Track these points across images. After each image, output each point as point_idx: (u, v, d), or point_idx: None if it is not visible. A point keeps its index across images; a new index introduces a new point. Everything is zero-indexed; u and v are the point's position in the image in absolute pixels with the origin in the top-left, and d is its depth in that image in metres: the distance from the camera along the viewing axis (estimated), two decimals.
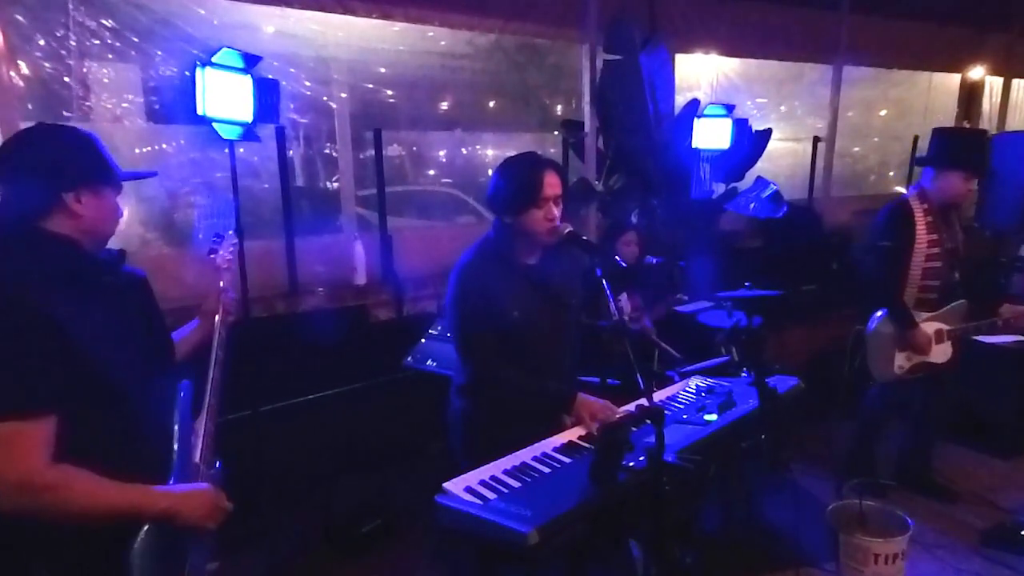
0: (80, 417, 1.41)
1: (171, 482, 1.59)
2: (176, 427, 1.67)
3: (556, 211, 2.19)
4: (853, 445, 3.73)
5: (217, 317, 1.98)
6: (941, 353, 3.40)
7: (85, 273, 1.50)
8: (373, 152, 3.74)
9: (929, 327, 3.36)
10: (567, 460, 1.93)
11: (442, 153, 5.16)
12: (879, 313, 3.39)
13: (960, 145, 3.43)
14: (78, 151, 1.52)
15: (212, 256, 2.08)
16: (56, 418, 1.38)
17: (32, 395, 1.35)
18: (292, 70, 3.65)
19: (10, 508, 1.34)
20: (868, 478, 3.49)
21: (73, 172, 1.49)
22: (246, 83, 3.04)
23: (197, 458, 1.71)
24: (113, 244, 1.67)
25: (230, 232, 2.19)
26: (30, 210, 1.47)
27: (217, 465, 1.84)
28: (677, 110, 4.62)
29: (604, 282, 2.02)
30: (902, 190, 3.58)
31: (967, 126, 6.74)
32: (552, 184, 2.18)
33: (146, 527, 1.45)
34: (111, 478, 1.43)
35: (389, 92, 4.17)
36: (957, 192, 3.34)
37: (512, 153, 2.39)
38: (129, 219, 3.23)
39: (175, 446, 1.64)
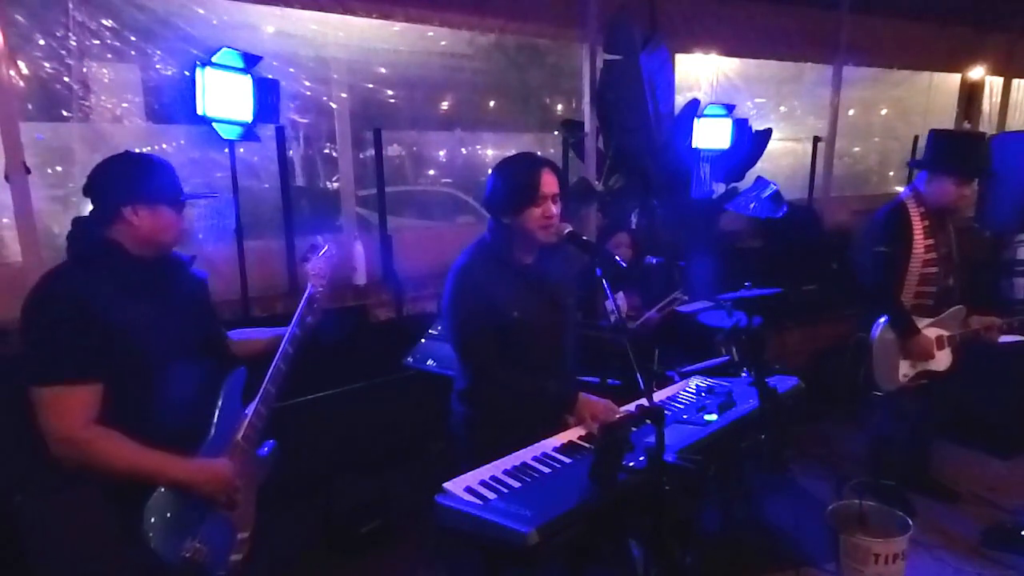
0: (122, 389, 1.71)
1: (199, 455, 1.84)
2: (218, 407, 1.93)
3: (555, 209, 2.19)
4: (868, 458, 3.68)
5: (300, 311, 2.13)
6: (943, 360, 3.37)
7: (129, 272, 1.79)
8: (373, 152, 3.74)
9: (931, 333, 3.34)
10: (567, 460, 1.93)
11: (442, 153, 5.15)
12: (882, 320, 3.35)
13: (954, 149, 3.37)
14: (142, 174, 1.82)
15: (304, 263, 2.26)
16: (99, 387, 1.68)
17: (75, 366, 1.65)
18: (292, 70, 3.64)
19: (58, 457, 1.65)
20: (868, 478, 3.49)
21: (133, 190, 1.79)
22: (246, 83, 3.04)
23: (240, 436, 1.95)
24: None
25: (325, 246, 2.31)
26: (100, 219, 1.80)
27: (267, 446, 2.11)
28: (677, 110, 4.62)
29: (604, 282, 2.02)
30: (902, 190, 3.56)
31: (968, 127, 6.74)
32: (549, 183, 2.18)
33: (160, 489, 1.72)
34: (144, 444, 1.71)
35: (389, 92, 4.16)
36: (949, 198, 3.29)
37: (512, 153, 2.39)
38: None
39: (213, 424, 1.91)
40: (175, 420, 1.79)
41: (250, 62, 3.05)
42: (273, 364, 2.04)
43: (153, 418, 1.75)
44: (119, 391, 1.71)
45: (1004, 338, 3.57)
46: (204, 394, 1.92)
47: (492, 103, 5.15)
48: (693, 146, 4.68)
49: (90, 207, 1.84)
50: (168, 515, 1.73)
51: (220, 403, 1.94)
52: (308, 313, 2.17)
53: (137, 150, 3.29)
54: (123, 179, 1.80)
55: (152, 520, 1.70)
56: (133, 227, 1.79)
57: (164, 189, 1.86)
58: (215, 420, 1.92)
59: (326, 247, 2.31)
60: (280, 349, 2.07)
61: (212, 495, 1.80)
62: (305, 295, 2.18)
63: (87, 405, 1.67)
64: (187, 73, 2.93)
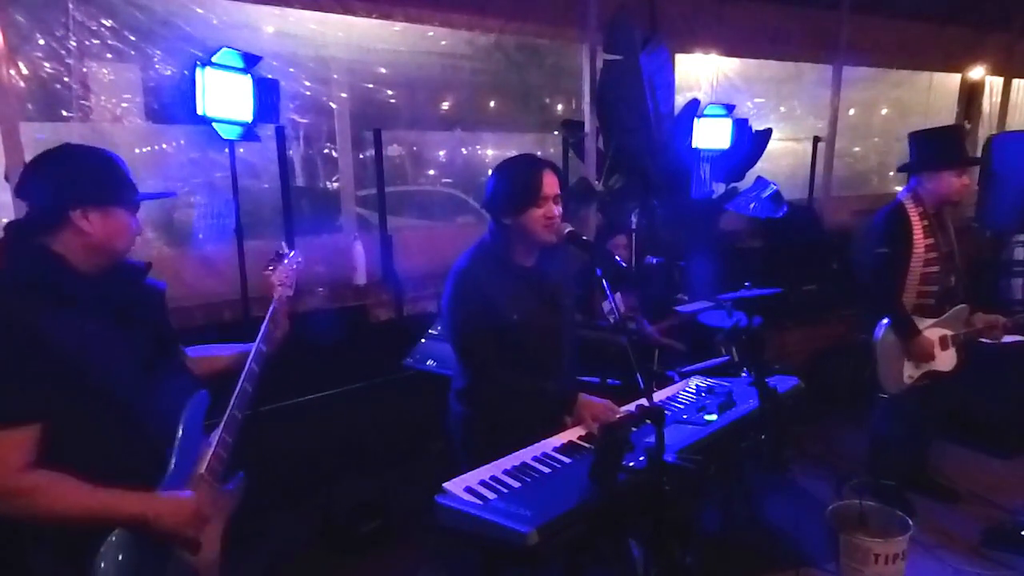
0: (67, 424, 1.48)
1: (159, 490, 1.60)
2: (179, 437, 1.68)
3: (556, 210, 2.19)
4: (868, 458, 3.68)
5: (266, 326, 1.94)
6: (947, 360, 3.37)
7: (75, 290, 1.54)
8: (373, 152, 3.74)
9: (933, 333, 3.34)
10: (567, 460, 1.93)
11: (442, 153, 5.15)
12: (884, 322, 3.35)
13: (943, 143, 3.39)
14: (90, 171, 1.58)
15: (267, 273, 2.07)
16: (38, 427, 1.45)
17: (12, 407, 1.43)
18: (292, 70, 3.65)
19: None
20: (868, 478, 3.49)
21: (82, 191, 1.55)
22: (246, 83, 3.04)
23: (203, 469, 1.71)
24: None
25: (292, 252, 2.15)
26: (40, 225, 1.55)
27: (233, 481, 1.85)
28: (677, 110, 4.62)
29: (604, 282, 2.02)
30: (901, 190, 3.56)
31: (968, 127, 6.73)
32: (550, 183, 2.19)
33: (113, 537, 1.49)
34: (98, 483, 1.49)
35: (389, 92, 4.17)
36: (953, 190, 3.30)
37: (513, 153, 2.39)
38: None
39: (172, 456, 1.66)
40: (129, 455, 1.58)
41: (250, 62, 3.05)
42: (238, 386, 1.82)
43: (104, 454, 1.53)
44: (63, 427, 1.48)
45: (1006, 338, 3.57)
46: (162, 424, 1.66)
47: (492, 103, 5.15)
48: (693, 146, 4.68)
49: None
50: (123, 564, 1.50)
51: (180, 433, 1.68)
52: (275, 328, 1.97)
53: (138, 148, 3.33)
54: (70, 177, 1.55)
55: (104, 570, 1.47)
56: (83, 234, 1.55)
57: (118, 188, 1.61)
58: (174, 452, 1.66)
59: (292, 253, 2.15)
60: (245, 369, 1.85)
61: (177, 529, 1.56)
62: (270, 308, 1.99)
63: (25, 450, 1.43)
64: (187, 73, 2.93)
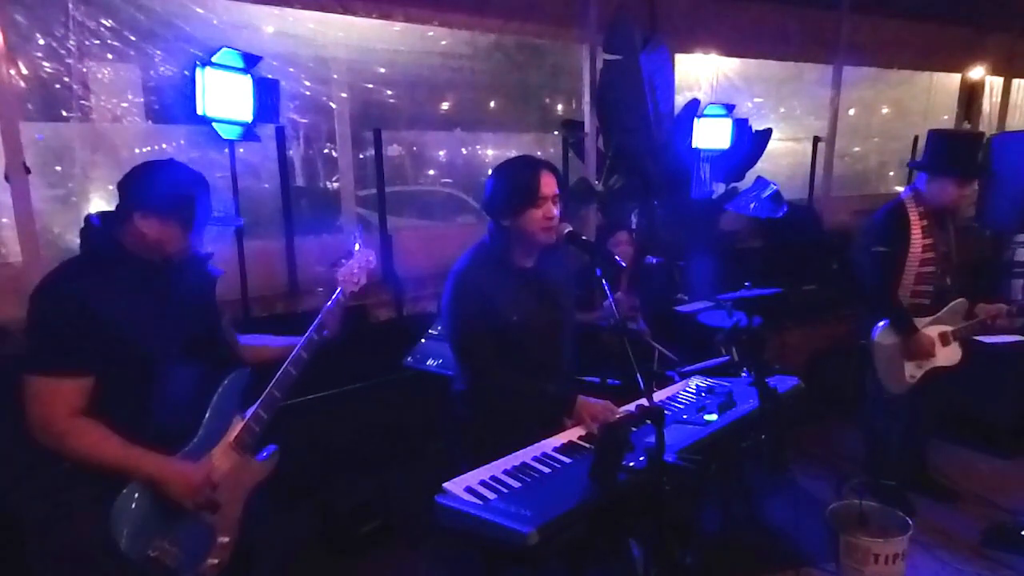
0: (112, 384, 1.74)
1: (180, 455, 1.82)
2: (210, 408, 1.90)
3: (555, 210, 2.19)
4: (868, 458, 3.68)
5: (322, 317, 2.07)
6: (950, 355, 3.37)
7: (124, 270, 1.80)
8: (373, 152, 3.74)
9: (933, 331, 3.34)
10: (567, 460, 1.93)
11: (442, 153, 5.15)
12: (881, 324, 3.35)
13: (954, 150, 3.36)
14: (163, 186, 1.83)
15: (335, 268, 2.16)
16: (89, 381, 1.72)
17: (66, 359, 1.69)
18: (292, 70, 3.65)
19: (40, 443, 1.70)
20: (868, 478, 3.49)
21: (150, 198, 1.80)
22: (246, 83, 3.04)
23: (231, 439, 1.93)
24: None
25: (359, 248, 2.18)
26: (113, 217, 1.83)
27: (266, 451, 2.05)
28: (677, 110, 4.62)
29: (604, 282, 2.02)
30: (902, 190, 3.57)
31: (968, 127, 6.73)
32: (549, 184, 2.19)
33: (130, 486, 1.73)
34: (129, 439, 1.73)
35: (389, 92, 4.16)
36: (950, 198, 3.30)
37: (513, 153, 2.40)
38: None
39: (202, 424, 1.88)
40: (163, 418, 1.80)
41: (250, 62, 3.05)
42: (283, 368, 2.00)
43: (141, 415, 1.77)
44: (110, 386, 1.74)
45: (1005, 338, 3.57)
46: (197, 395, 1.90)
47: (492, 103, 5.15)
48: (693, 146, 4.68)
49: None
50: (138, 512, 1.73)
51: (213, 404, 1.91)
52: (328, 322, 2.08)
53: (138, 148, 3.33)
54: (145, 185, 1.82)
55: (120, 516, 1.70)
56: (140, 232, 1.80)
57: (181, 207, 1.84)
58: (204, 421, 1.90)
59: (367, 252, 2.18)
60: (294, 352, 2.02)
61: (178, 498, 1.77)
62: (332, 298, 2.10)
63: (73, 397, 1.70)
64: (187, 73, 2.93)
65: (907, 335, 3.30)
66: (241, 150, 3.35)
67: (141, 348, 1.75)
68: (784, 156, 5.88)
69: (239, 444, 1.95)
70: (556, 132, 4.79)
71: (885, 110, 7.04)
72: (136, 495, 1.73)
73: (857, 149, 7.10)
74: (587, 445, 2.02)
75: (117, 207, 1.84)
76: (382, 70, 4.07)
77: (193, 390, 1.88)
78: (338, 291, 2.12)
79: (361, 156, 4.08)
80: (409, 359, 3.23)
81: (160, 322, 1.81)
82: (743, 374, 3.03)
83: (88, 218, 1.87)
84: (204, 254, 1.98)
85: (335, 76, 3.84)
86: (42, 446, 1.71)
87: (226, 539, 1.90)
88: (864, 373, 3.48)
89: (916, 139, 6.15)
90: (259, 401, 1.98)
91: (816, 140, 5.53)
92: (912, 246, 3.30)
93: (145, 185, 1.82)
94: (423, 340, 3.29)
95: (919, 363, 3.34)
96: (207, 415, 1.90)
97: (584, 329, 2.84)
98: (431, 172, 5.14)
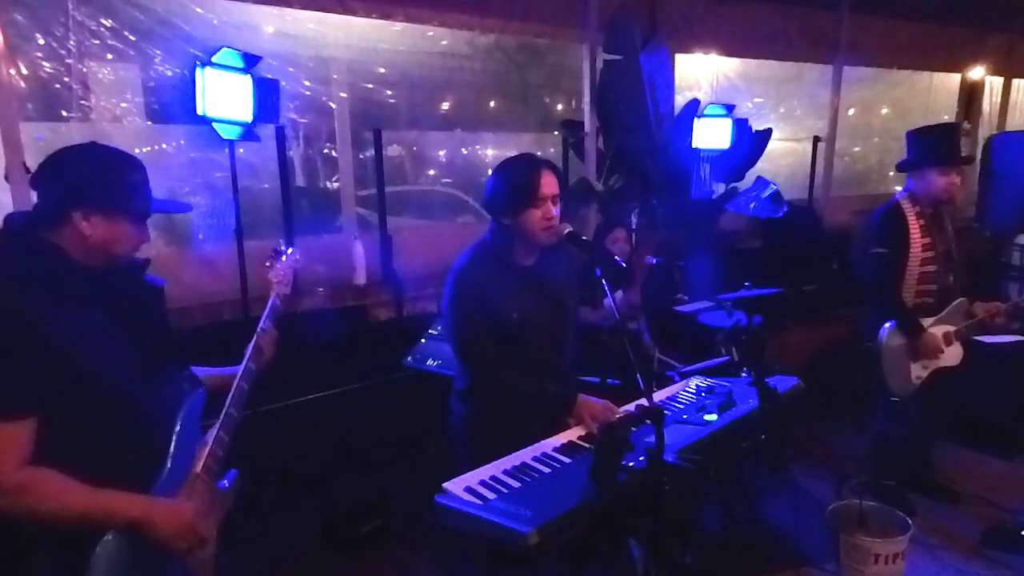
0: (61, 420, 1.44)
1: (154, 491, 1.57)
2: (175, 435, 1.65)
3: (555, 210, 2.19)
4: (868, 458, 3.68)
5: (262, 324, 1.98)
6: (954, 355, 3.38)
7: (70, 281, 1.50)
8: (373, 152, 3.74)
9: (937, 331, 3.34)
10: (567, 460, 1.93)
11: (442, 153, 5.15)
12: (887, 325, 3.35)
13: (928, 141, 3.40)
14: (102, 174, 1.53)
15: (267, 268, 2.11)
16: (33, 422, 1.41)
17: (4, 400, 1.38)
18: (292, 70, 3.65)
19: None
20: (868, 478, 3.49)
21: (89, 193, 1.51)
22: (246, 83, 3.04)
23: (199, 468, 1.68)
24: None
25: (290, 250, 2.18)
26: (41, 219, 1.52)
27: (227, 478, 1.82)
28: (677, 110, 4.62)
29: (604, 282, 2.02)
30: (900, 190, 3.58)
31: (968, 127, 6.73)
32: (549, 184, 2.18)
33: (108, 537, 1.44)
34: (92, 482, 1.44)
35: (389, 92, 4.16)
36: (939, 188, 3.31)
37: (512, 153, 2.39)
38: None
39: (170, 455, 1.63)
40: (125, 452, 1.54)
41: (250, 62, 3.05)
42: (235, 384, 1.82)
43: (99, 452, 1.49)
44: (58, 423, 1.44)
45: (1005, 338, 3.57)
46: (159, 421, 1.64)
47: (492, 103, 5.16)
48: (693, 146, 4.68)
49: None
50: (118, 561, 1.45)
51: (177, 430, 1.65)
52: (270, 326, 2.00)
53: (138, 148, 3.33)
54: (80, 178, 1.51)
55: (99, 567, 1.42)
56: (82, 235, 1.50)
57: (128, 197, 1.56)
58: (171, 450, 1.63)
59: (290, 251, 2.17)
60: (242, 365, 1.85)
61: (171, 540, 1.51)
62: (268, 305, 2.02)
63: (19, 445, 1.39)
64: (187, 73, 2.93)
65: (915, 336, 3.30)
66: (241, 150, 3.35)
67: (92, 373, 1.47)
68: (784, 156, 5.88)
69: (207, 472, 1.69)
70: (556, 132, 4.79)
71: (885, 110, 7.04)
72: (115, 547, 1.44)
73: (857, 149, 7.10)
74: (587, 445, 2.02)
75: (45, 207, 1.52)
76: (382, 70, 4.07)
77: (153, 415, 1.62)
78: (272, 298, 2.05)
79: (361, 156, 4.08)
80: (409, 359, 3.23)
81: (110, 341, 1.53)
82: (743, 374, 3.03)
83: (8, 219, 1.56)
84: (139, 260, 1.72)
85: (335, 76, 3.83)
86: None
87: None
88: (870, 375, 3.48)
89: None
90: (218, 423, 1.76)
91: (816, 140, 5.53)
92: (912, 246, 3.30)
93: (78, 178, 1.51)
94: (423, 340, 3.29)
95: (925, 364, 3.34)
96: (172, 444, 1.63)
97: (588, 329, 2.84)
98: (431, 172, 5.14)
